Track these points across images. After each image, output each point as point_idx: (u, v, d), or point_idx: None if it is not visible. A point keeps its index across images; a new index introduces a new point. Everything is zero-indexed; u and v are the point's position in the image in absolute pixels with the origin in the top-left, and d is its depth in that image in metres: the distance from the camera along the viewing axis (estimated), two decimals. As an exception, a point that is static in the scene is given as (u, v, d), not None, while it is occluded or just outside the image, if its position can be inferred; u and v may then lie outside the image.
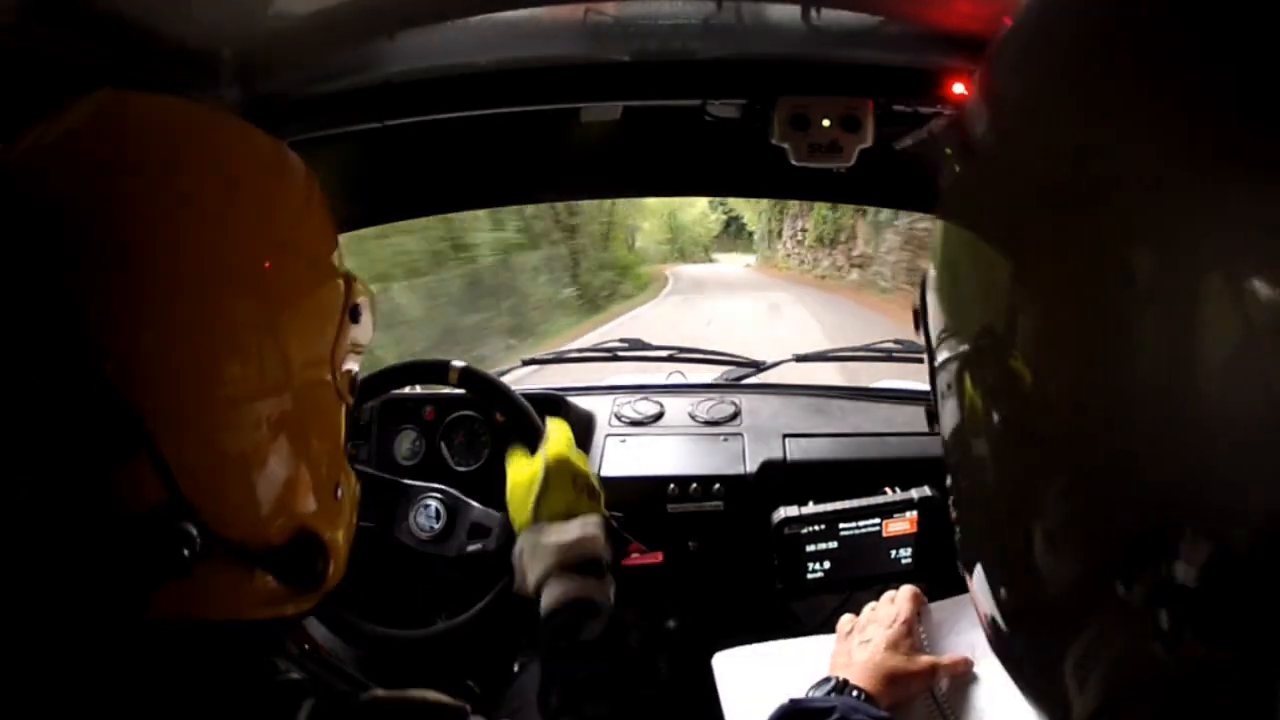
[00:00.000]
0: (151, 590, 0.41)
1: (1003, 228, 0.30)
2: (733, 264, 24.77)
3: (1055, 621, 0.30)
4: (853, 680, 0.68)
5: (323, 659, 0.51)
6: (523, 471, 0.82)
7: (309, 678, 0.44)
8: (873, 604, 0.79)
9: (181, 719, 0.40)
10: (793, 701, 0.65)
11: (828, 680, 0.69)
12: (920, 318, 0.38)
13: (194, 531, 0.41)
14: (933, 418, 0.37)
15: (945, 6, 0.76)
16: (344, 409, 0.53)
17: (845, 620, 0.78)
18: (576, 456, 0.83)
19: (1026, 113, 0.30)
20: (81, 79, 0.44)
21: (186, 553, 0.41)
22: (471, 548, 1.05)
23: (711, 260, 27.01)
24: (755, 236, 26.40)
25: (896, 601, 0.77)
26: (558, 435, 0.85)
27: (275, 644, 0.47)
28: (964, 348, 0.32)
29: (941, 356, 0.34)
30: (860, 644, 0.73)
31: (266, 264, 0.45)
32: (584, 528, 0.75)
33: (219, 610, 0.44)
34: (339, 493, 0.52)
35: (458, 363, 1.04)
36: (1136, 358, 0.24)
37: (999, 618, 0.34)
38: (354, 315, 0.51)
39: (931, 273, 0.37)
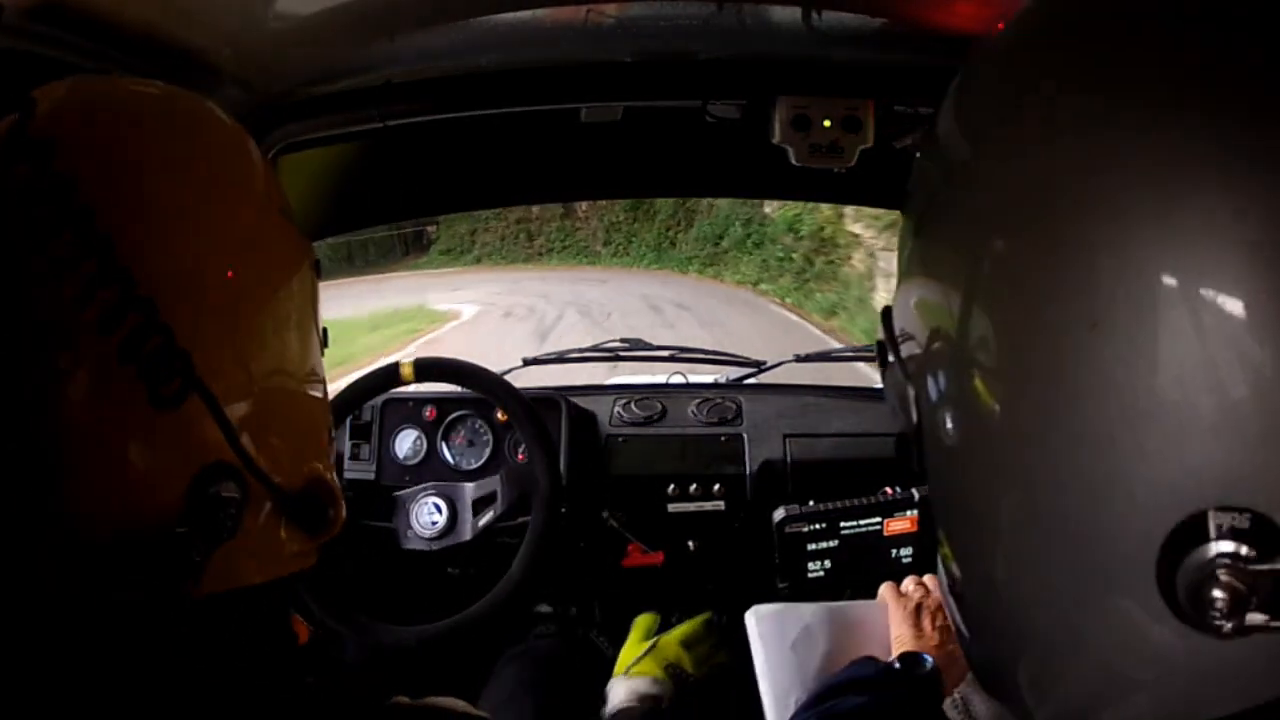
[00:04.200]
0: (206, 561, 0.39)
1: (980, 244, 0.30)
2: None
3: (1042, 630, 0.30)
4: (942, 668, 0.66)
5: (336, 662, 0.50)
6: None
7: (325, 684, 0.44)
8: (914, 578, 0.77)
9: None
10: (891, 663, 0.66)
11: (923, 660, 0.66)
12: (888, 347, 0.38)
13: (234, 490, 0.40)
14: (904, 449, 0.37)
15: (945, 7, 0.76)
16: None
17: (890, 589, 0.76)
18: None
19: (991, 133, 0.31)
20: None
21: (233, 510, 0.40)
22: (483, 520, 1.05)
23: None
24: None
25: None
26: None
27: (286, 627, 0.47)
28: (945, 367, 0.32)
29: (925, 378, 0.34)
30: (942, 627, 0.71)
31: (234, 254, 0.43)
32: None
33: (257, 572, 0.43)
34: (332, 436, 0.51)
35: (406, 359, 1.04)
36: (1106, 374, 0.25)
37: (965, 629, 0.35)
38: (318, 269, 0.50)
39: (905, 298, 0.37)
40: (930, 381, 0.33)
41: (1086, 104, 0.26)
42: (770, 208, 10.97)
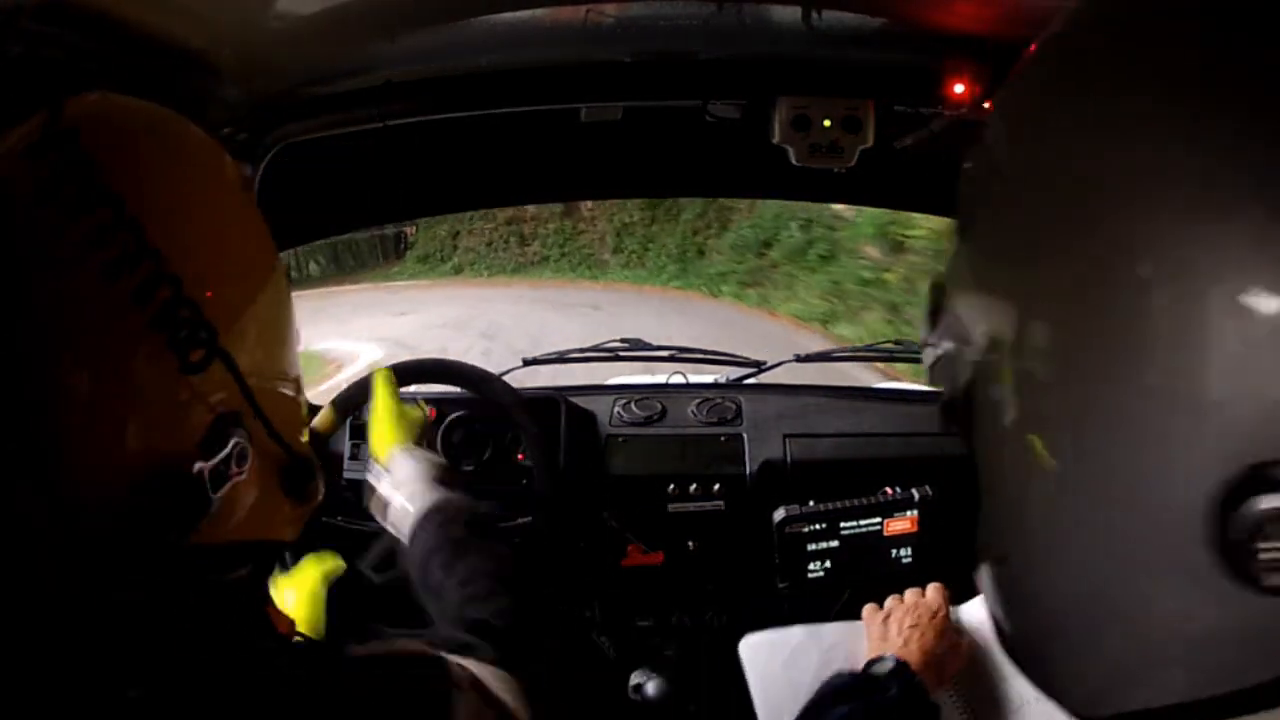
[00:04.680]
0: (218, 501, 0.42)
1: (1025, 239, 0.31)
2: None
3: (1082, 601, 0.30)
4: (912, 664, 0.69)
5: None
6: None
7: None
8: (894, 595, 0.80)
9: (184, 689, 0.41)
10: (860, 671, 0.68)
11: (884, 659, 0.70)
12: (935, 317, 0.39)
13: (244, 439, 0.43)
14: (950, 415, 0.37)
15: (945, 7, 0.76)
16: None
17: (870, 609, 0.79)
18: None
19: (1039, 131, 0.31)
20: (81, 79, 0.44)
21: (243, 452, 0.43)
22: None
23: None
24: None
25: (929, 595, 0.78)
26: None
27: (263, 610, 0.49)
28: (989, 354, 0.33)
29: (974, 359, 0.35)
30: (910, 628, 0.74)
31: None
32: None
33: (246, 529, 0.45)
34: (309, 425, 0.55)
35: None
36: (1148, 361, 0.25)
37: (1006, 616, 0.35)
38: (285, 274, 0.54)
39: (956, 274, 0.37)
40: (976, 355, 0.34)
41: (1138, 108, 0.27)
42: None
